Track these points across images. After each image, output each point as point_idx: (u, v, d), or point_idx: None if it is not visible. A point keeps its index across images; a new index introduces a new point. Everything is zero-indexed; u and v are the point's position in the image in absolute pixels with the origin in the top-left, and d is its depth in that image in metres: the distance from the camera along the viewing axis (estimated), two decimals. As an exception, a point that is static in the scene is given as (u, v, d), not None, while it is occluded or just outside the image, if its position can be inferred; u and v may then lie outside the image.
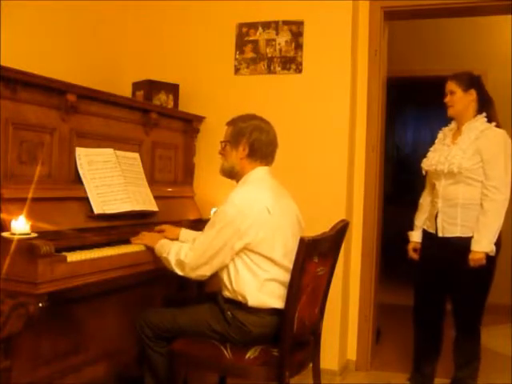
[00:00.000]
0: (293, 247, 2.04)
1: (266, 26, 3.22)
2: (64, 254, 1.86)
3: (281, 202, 2.15)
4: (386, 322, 3.76)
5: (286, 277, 2.03)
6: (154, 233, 2.38)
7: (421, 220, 2.91)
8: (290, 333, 1.98)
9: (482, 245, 2.56)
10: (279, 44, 3.19)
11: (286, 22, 3.18)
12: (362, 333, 3.26)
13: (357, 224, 3.24)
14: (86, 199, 2.29)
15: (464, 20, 4.27)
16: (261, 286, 2.05)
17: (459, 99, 2.71)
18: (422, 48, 4.90)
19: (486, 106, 2.73)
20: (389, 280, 4.64)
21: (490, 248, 2.57)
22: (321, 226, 2.16)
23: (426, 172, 2.85)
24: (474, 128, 2.66)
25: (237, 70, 3.28)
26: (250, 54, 3.25)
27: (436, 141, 2.88)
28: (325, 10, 3.11)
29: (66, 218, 2.17)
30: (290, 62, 3.18)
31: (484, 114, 2.71)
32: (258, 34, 3.24)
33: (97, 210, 2.30)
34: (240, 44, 3.27)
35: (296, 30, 3.16)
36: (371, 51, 3.22)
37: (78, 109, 2.35)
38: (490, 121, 2.69)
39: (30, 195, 2.01)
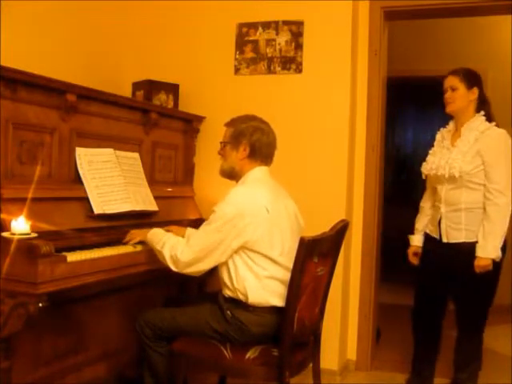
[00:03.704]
0: (292, 246, 2.05)
1: (266, 25, 3.22)
2: (64, 254, 1.87)
3: (279, 202, 2.16)
4: (385, 322, 3.76)
5: (285, 275, 2.04)
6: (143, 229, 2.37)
7: (422, 223, 2.84)
8: (290, 333, 1.98)
9: (488, 251, 2.47)
10: (279, 44, 3.19)
11: (285, 22, 3.18)
12: (361, 333, 3.25)
13: (357, 224, 3.24)
14: (86, 199, 2.29)
15: (464, 20, 4.26)
16: (260, 283, 2.06)
17: (461, 96, 2.61)
18: (422, 48, 4.89)
19: (484, 104, 2.65)
20: (389, 280, 4.64)
21: (497, 254, 2.48)
22: (321, 226, 2.16)
23: (426, 176, 2.77)
24: (474, 128, 2.57)
25: (237, 70, 3.28)
26: (250, 54, 3.25)
27: (435, 143, 2.78)
28: (325, 10, 3.11)
29: (66, 218, 2.17)
30: (290, 62, 3.18)
31: (482, 113, 2.62)
32: (258, 33, 3.24)
33: (97, 210, 2.30)
34: (240, 44, 3.27)
35: (296, 30, 3.16)
36: (371, 51, 3.22)
37: (77, 109, 2.35)
38: (488, 119, 2.61)
39: (30, 195, 2.01)
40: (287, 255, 2.07)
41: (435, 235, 2.71)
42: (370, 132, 3.24)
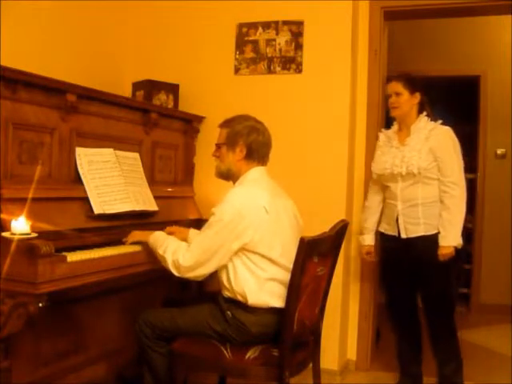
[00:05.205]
0: (291, 246, 2.04)
1: (266, 25, 3.22)
2: (64, 253, 1.87)
3: (278, 202, 2.15)
4: (385, 322, 3.76)
5: (285, 276, 2.03)
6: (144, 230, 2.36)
7: (371, 222, 2.91)
8: (290, 333, 1.98)
9: (450, 239, 2.62)
10: (279, 44, 3.19)
11: (285, 22, 3.18)
12: (362, 333, 3.26)
13: (357, 224, 3.24)
14: (86, 199, 2.29)
15: (463, 20, 4.27)
16: (261, 285, 2.05)
17: (405, 101, 2.73)
18: (421, 48, 4.90)
19: (424, 106, 2.78)
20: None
21: (458, 242, 2.63)
22: (320, 226, 2.16)
23: (377, 175, 2.83)
24: (422, 128, 2.71)
25: (237, 70, 3.28)
26: (250, 54, 3.25)
27: (380, 144, 2.88)
28: (325, 10, 3.11)
29: (66, 218, 2.17)
30: (290, 62, 3.18)
31: (425, 113, 2.75)
32: (258, 33, 3.24)
33: (97, 210, 2.30)
34: (240, 44, 3.27)
35: (296, 30, 3.16)
36: (371, 51, 3.22)
37: (78, 109, 2.35)
38: (431, 119, 2.75)
39: (30, 195, 2.00)
40: (287, 255, 2.06)
41: (392, 233, 2.78)
42: (369, 132, 3.24)
